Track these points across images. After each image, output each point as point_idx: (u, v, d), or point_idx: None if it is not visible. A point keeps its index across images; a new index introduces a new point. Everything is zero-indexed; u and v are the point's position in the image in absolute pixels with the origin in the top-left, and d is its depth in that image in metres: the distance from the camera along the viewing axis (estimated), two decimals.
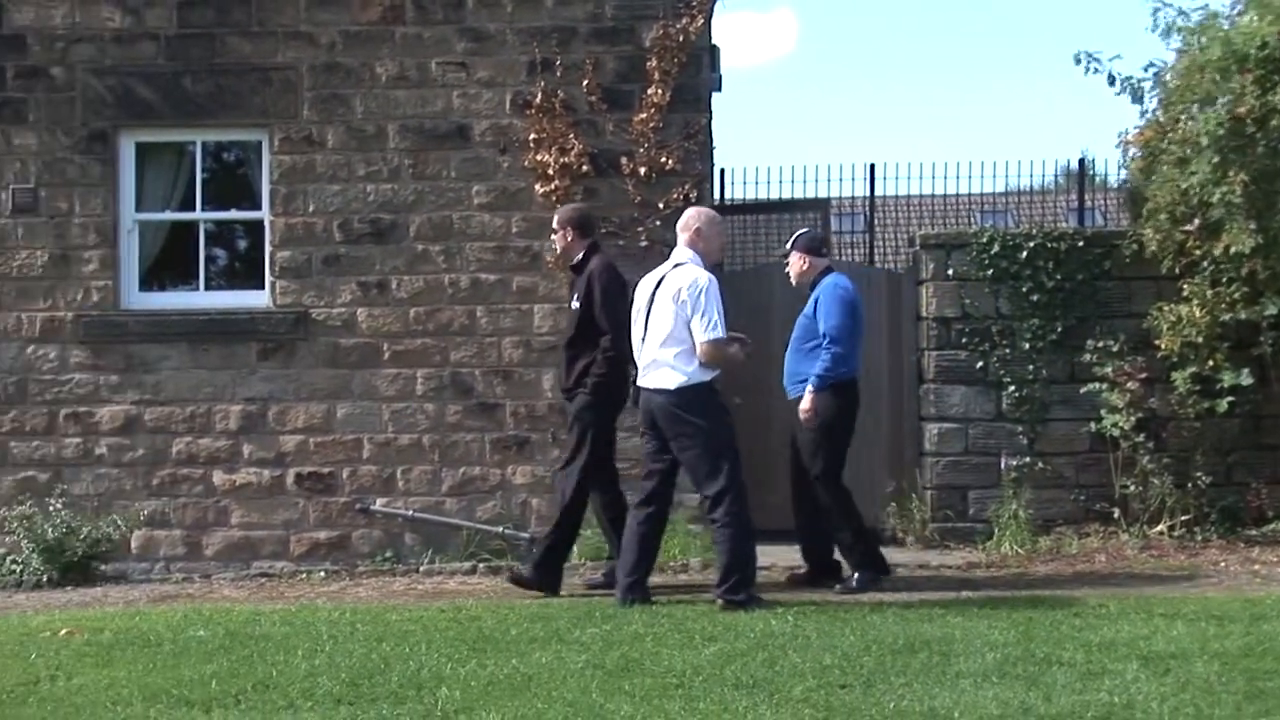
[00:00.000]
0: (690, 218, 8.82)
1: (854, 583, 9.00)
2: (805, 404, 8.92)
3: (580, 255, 9.18)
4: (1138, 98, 11.09)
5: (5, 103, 11.02)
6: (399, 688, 6.07)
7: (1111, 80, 11.04)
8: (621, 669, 6.38)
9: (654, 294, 8.55)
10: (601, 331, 8.86)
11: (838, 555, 9.31)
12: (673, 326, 8.38)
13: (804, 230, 9.84)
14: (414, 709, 5.68)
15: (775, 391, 11.48)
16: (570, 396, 9.14)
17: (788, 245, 9.54)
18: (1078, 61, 11.00)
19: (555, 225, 9.34)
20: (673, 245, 10.83)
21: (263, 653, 6.90)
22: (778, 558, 10.44)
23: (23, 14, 11.02)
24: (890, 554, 10.53)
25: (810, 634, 7.18)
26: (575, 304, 9.06)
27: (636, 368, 8.66)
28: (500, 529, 10.75)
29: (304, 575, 10.43)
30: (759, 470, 11.44)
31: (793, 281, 9.53)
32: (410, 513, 10.88)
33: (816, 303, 9.13)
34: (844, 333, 8.99)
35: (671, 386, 8.39)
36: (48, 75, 11.02)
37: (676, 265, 8.62)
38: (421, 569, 10.46)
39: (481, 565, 10.37)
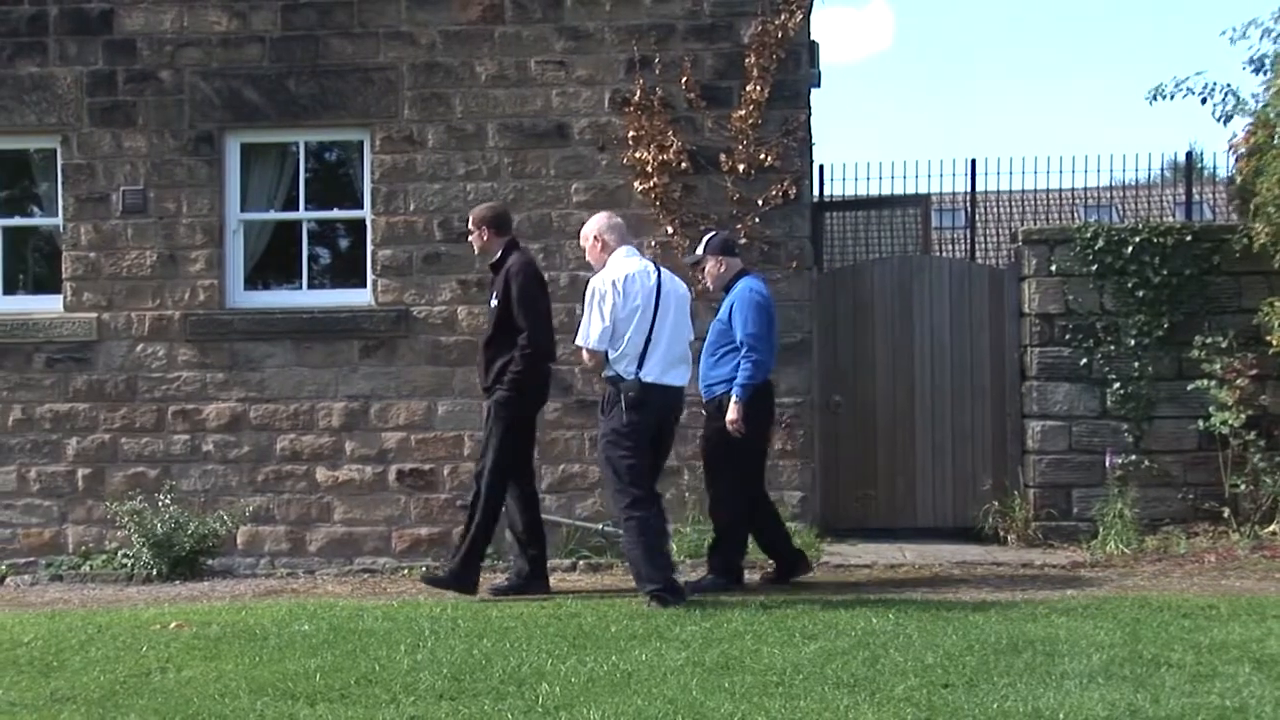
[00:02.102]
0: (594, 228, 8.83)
1: (704, 581, 9.01)
2: (732, 414, 8.79)
3: (498, 253, 9.09)
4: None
5: (116, 106, 11.24)
6: (500, 683, 6.10)
7: (1204, 99, 10.85)
8: (721, 666, 6.36)
9: (659, 294, 8.48)
10: (519, 329, 8.78)
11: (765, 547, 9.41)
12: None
13: (715, 232, 9.63)
14: (515, 705, 5.70)
15: (878, 391, 11.45)
16: (490, 394, 9.03)
17: (700, 249, 9.36)
18: (1158, 98, 10.85)
19: (471, 225, 9.27)
20: (772, 242, 10.90)
21: (366, 648, 6.97)
22: (880, 555, 10.40)
23: (133, 19, 11.24)
24: (992, 552, 10.47)
25: (912, 632, 7.11)
26: (493, 302, 8.98)
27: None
28: (599, 526, 10.77)
29: (405, 571, 10.52)
30: (865, 470, 11.41)
31: (709, 286, 9.39)
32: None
33: (731, 308, 9.02)
34: (761, 340, 8.90)
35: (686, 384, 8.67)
36: (156, 79, 11.23)
37: (655, 264, 8.75)
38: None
39: (581, 562, 10.39)
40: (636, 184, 10.94)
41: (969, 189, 13.32)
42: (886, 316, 11.50)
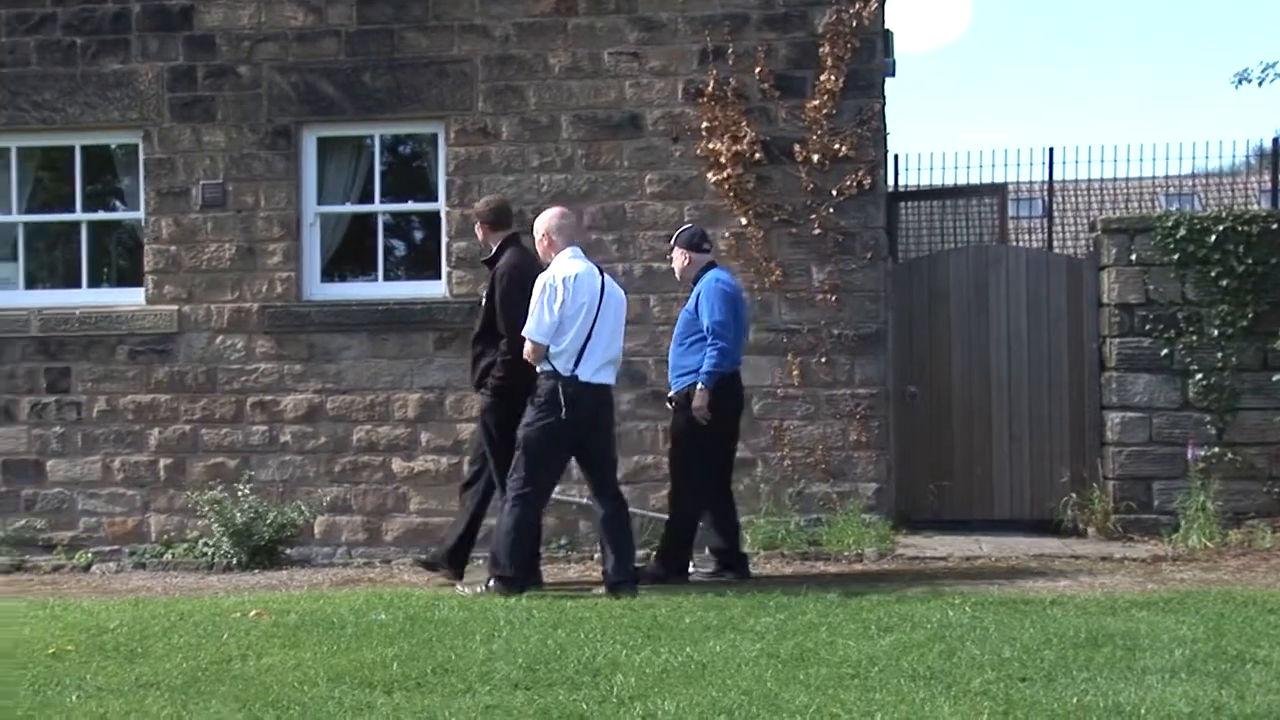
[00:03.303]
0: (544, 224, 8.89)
1: (649, 569, 9.10)
2: (698, 402, 8.92)
3: (495, 249, 9.13)
4: None
5: (195, 101, 11.38)
6: (575, 673, 6.11)
7: None
8: (796, 658, 6.34)
9: (602, 296, 8.61)
10: (499, 334, 8.84)
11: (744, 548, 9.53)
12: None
13: (685, 227, 9.72)
14: (590, 695, 5.71)
15: (953, 382, 11.36)
16: (479, 390, 9.12)
17: (671, 242, 9.55)
18: (1243, 83, 10.67)
19: (472, 219, 9.27)
20: (847, 233, 10.84)
21: (442, 637, 7.01)
22: (955, 547, 10.32)
23: (212, 15, 11.37)
24: (1070, 545, 10.36)
25: (989, 625, 7.05)
26: (483, 299, 9.03)
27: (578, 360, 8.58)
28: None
29: (480, 561, 10.56)
30: (940, 461, 11.33)
31: (677, 277, 9.56)
32: (584, 500, 10.93)
33: (698, 298, 9.11)
34: (726, 328, 8.98)
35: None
36: (235, 74, 11.36)
37: (601, 268, 8.89)
38: (595, 556, 10.50)
39: (654, 554, 10.37)
40: (710, 175, 10.92)
41: (1046, 178, 13.19)
42: (962, 307, 11.41)
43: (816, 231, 10.83)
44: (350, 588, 9.37)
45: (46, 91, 11.49)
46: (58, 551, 11.23)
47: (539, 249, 8.90)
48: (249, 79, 11.34)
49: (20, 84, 11.51)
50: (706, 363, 8.94)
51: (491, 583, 8.57)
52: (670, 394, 9.33)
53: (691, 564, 9.47)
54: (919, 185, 13.09)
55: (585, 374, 8.54)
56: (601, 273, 8.83)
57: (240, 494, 10.68)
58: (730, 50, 10.93)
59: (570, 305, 8.48)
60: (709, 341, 8.97)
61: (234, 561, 10.50)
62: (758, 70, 10.90)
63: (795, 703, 5.50)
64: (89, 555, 11.10)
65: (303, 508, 10.78)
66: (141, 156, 11.50)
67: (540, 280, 8.61)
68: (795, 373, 10.84)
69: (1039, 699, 5.50)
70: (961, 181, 12.96)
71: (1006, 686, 5.72)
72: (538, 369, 8.59)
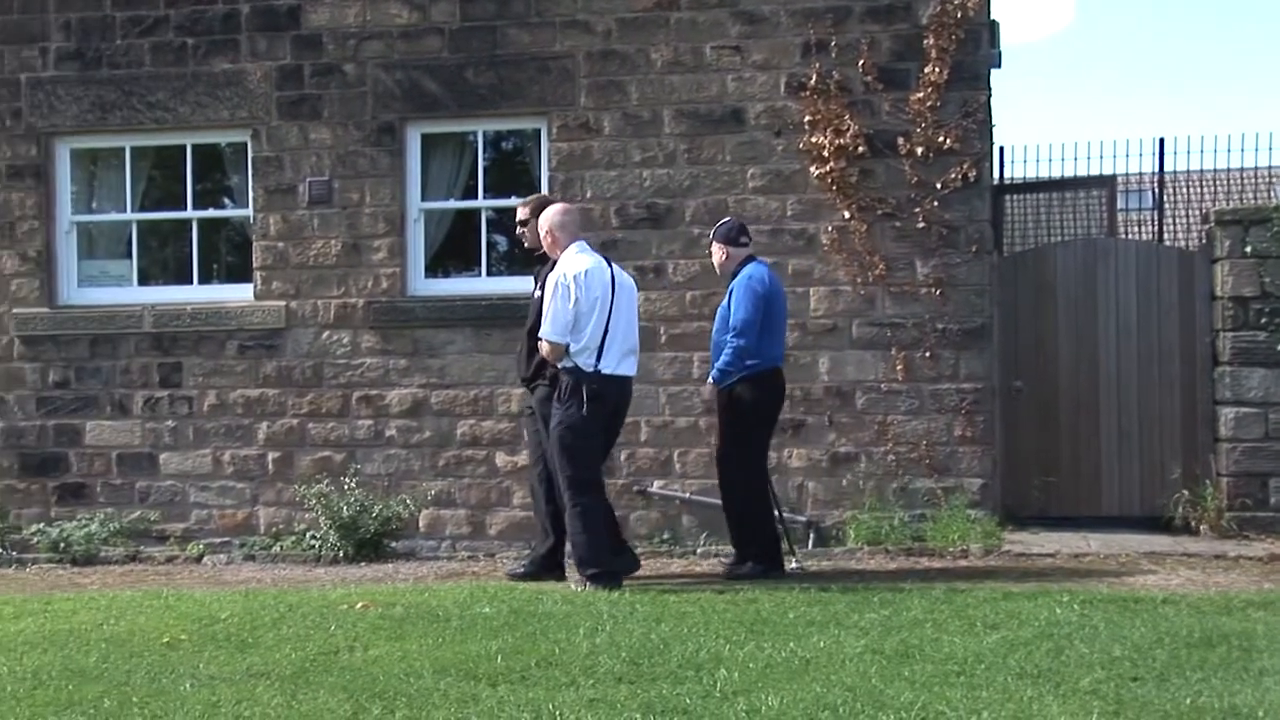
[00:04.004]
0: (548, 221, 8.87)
1: (747, 570, 9.03)
2: (704, 393, 9.00)
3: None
4: None
5: (303, 99, 11.54)
6: (678, 668, 6.11)
7: None
8: (901, 655, 6.29)
9: (614, 288, 8.66)
10: None
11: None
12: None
13: (723, 221, 9.66)
14: (693, 689, 5.71)
15: (1060, 376, 11.20)
16: (530, 386, 9.10)
17: (710, 235, 9.57)
18: None
19: (527, 214, 9.22)
20: (951, 226, 10.72)
21: (545, 630, 7.04)
22: (1063, 544, 10.17)
23: (318, 14, 11.52)
24: (1182, 543, 10.15)
25: (1098, 624, 6.94)
26: (538, 292, 8.96)
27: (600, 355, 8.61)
28: (776, 512, 10.72)
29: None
30: (1047, 457, 11.17)
31: (716, 271, 9.58)
32: (687, 495, 10.96)
33: (730, 294, 9.10)
34: (750, 326, 8.94)
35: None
36: (341, 72, 11.50)
37: (609, 260, 8.90)
38: (698, 550, 10.52)
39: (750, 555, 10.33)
40: (813, 168, 10.86)
41: (1156, 169, 12.95)
42: (1070, 300, 11.23)
43: (920, 225, 10.72)
44: (455, 581, 9.44)
45: (159, 92, 11.72)
46: (171, 543, 11.46)
47: (544, 246, 8.91)
48: (354, 77, 11.48)
49: (134, 85, 11.75)
50: (722, 359, 8.99)
51: (587, 585, 8.53)
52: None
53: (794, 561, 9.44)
54: (1025, 178, 12.91)
55: (608, 367, 8.64)
56: (609, 264, 8.85)
57: (346, 487, 10.81)
58: (833, 43, 10.86)
59: (585, 301, 8.53)
60: (729, 339, 8.99)
61: (340, 554, 10.63)
62: (861, 63, 10.81)
63: (900, 699, 5.45)
64: (200, 547, 11.31)
65: (408, 501, 10.89)
66: (250, 154, 11.69)
67: (551, 280, 8.66)
68: (899, 367, 10.75)
69: (1151, 699, 5.40)
70: (1069, 173, 12.77)
71: (1117, 686, 5.62)
72: (560, 366, 8.65)
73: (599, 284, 8.62)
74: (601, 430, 8.73)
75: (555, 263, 8.91)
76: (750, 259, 9.31)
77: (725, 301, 9.20)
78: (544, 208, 9.14)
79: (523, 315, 11.12)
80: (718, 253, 9.38)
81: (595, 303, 8.56)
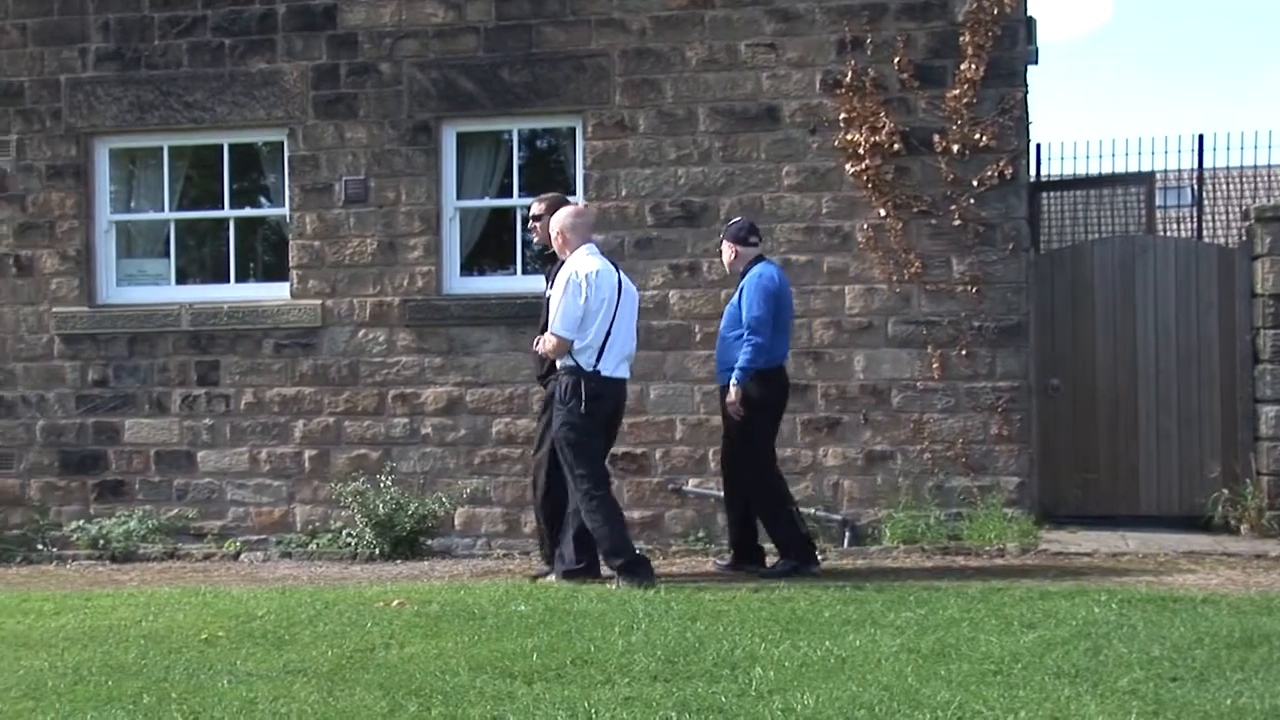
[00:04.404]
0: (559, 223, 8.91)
1: (778, 567, 9.08)
2: (730, 396, 8.99)
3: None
4: None
5: (339, 99, 11.58)
6: (714, 666, 6.10)
7: None
8: (937, 654, 6.26)
9: (619, 292, 8.73)
10: None
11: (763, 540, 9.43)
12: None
13: (733, 220, 9.71)
14: (728, 687, 5.70)
15: (1098, 374, 11.13)
16: (544, 383, 9.12)
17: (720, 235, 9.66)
18: None
19: (542, 209, 9.23)
20: (987, 223, 10.67)
21: (581, 628, 7.04)
22: (1101, 543, 10.11)
23: (354, 14, 11.57)
24: (1222, 542, 10.08)
25: (1136, 623, 6.89)
26: (549, 291, 8.99)
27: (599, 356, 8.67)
28: (811, 510, 10.72)
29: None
30: (1084, 455, 11.11)
31: (726, 270, 9.63)
32: (722, 493, 10.92)
33: (741, 292, 9.13)
34: (763, 324, 8.97)
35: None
36: (376, 71, 11.54)
37: (616, 265, 8.97)
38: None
39: (777, 553, 10.31)
40: (848, 166, 10.83)
41: (1195, 165, 12.84)
42: (1107, 298, 11.17)
43: (956, 222, 10.68)
44: (490, 579, 9.45)
45: (197, 91, 11.79)
46: (208, 540, 11.53)
47: (555, 246, 8.96)
48: (390, 76, 11.51)
49: (172, 85, 11.82)
50: (741, 358, 9.00)
51: (621, 580, 8.50)
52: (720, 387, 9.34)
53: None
54: (1062, 175, 12.83)
55: (607, 369, 8.71)
56: (617, 269, 8.93)
57: (382, 485, 10.85)
58: (869, 40, 10.83)
59: (594, 300, 8.61)
60: (745, 337, 9.00)
61: (376, 552, 10.67)
62: (896, 60, 10.78)
63: (936, 699, 5.42)
64: (238, 544, 11.37)
65: (443, 499, 10.92)
66: (286, 154, 11.74)
67: (562, 276, 8.71)
68: (935, 366, 10.71)
69: (1191, 699, 5.36)
70: (1106, 170, 12.69)
71: (1156, 686, 5.58)
72: (558, 364, 8.73)
73: (607, 286, 8.71)
74: (601, 426, 8.78)
75: (564, 262, 8.97)
76: (759, 258, 9.34)
77: (735, 299, 9.23)
78: (557, 206, 9.18)
79: None
80: (727, 252, 9.44)
81: (602, 304, 8.64)
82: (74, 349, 11.96)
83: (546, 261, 9.39)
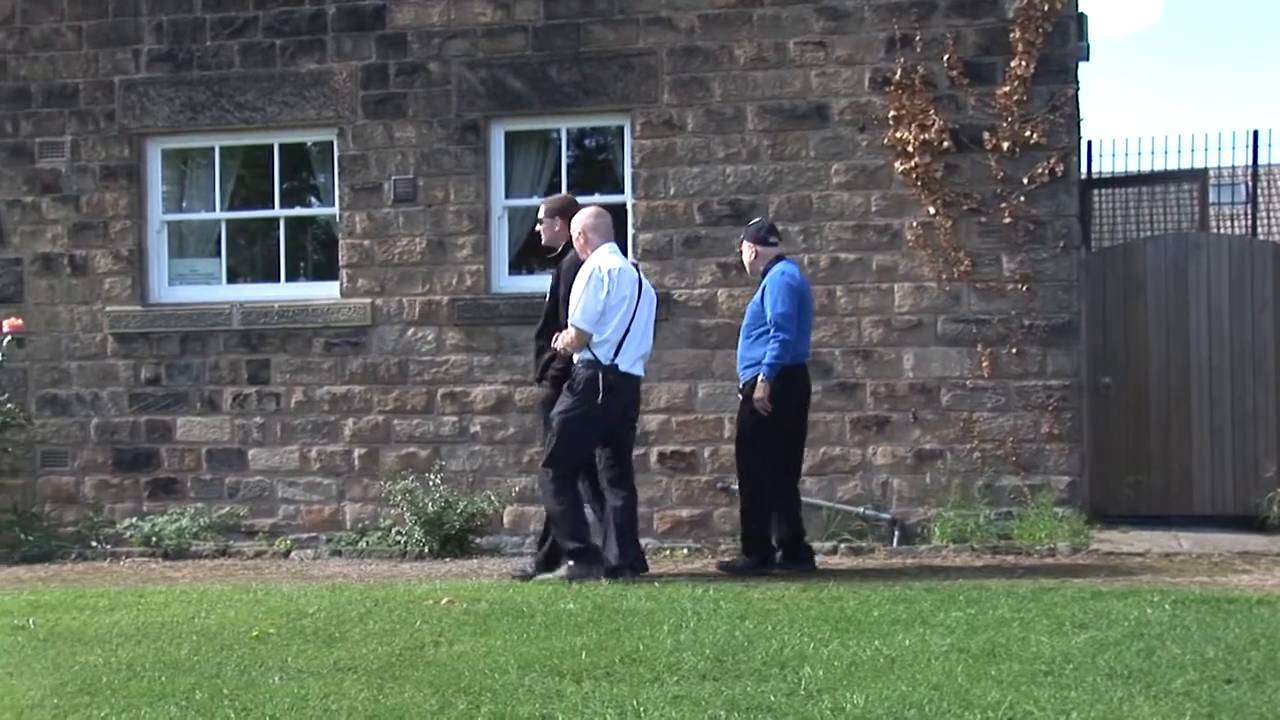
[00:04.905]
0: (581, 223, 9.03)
1: (737, 563, 9.23)
2: (758, 393, 9.00)
3: (561, 245, 9.24)
4: None
5: (388, 98, 11.64)
6: (762, 665, 6.08)
7: None
8: (987, 653, 6.22)
9: (639, 292, 8.84)
10: (562, 327, 8.93)
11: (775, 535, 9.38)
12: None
13: (754, 220, 9.78)
14: (777, 686, 5.68)
15: (1150, 373, 11.04)
16: (541, 384, 9.24)
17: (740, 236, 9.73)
18: None
19: (542, 214, 9.36)
20: (1038, 221, 10.60)
21: (629, 627, 7.04)
22: (1154, 543, 10.03)
23: (403, 14, 11.61)
24: (1278, 542, 9.96)
25: (1190, 624, 6.82)
26: (549, 293, 9.16)
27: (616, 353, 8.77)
28: (861, 509, 10.69)
29: (667, 552, 10.64)
30: (1136, 455, 11.02)
31: (746, 270, 9.65)
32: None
33: (764, 291, 9.14)
34: (789, 320, 9.01)
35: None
36: (425, 71, 11.58)
37: (635, 264, 9.09)
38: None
39: (842, 546, 10.32)
40: (897, 164, 10.78)
41: (1250, 162, 12.72)
42: (1160, 296, 11.07)
43: (1007, 220, 10.61)
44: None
45: (248, 92, 11.87)
46: (259, 538, 11.60)
47: (576, 246, 9.03)
48: (439, 75, 11.56)
49: (224, 85, 11.91)
50: (768, 355, 9.01)
51: (571, 563, 8.77)
52: (739, 386, 9.40)
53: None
54: (1114, 172, 12.73)
55: (624, 364, 8.82)
56: (637, 269, 9.05)
57: (431, 483, 10.89)
58: (918, 37, 10.77)
59: (614, 295, 8.72)
60: (771, 334, 9.02)
61: (425, 550, 10.72)
62: (946, 57, 10.72)
63: (987, 699, 5.39)
64: (288, 542, 11.44)
65: (492, 497, 10.95)
66: (336, 153, 11.81)
67: (584, 271, 8.80)
68: (985, 364, 10.64)
69: (1246, 701, 5.30)
70: (1159, 167, 12.58)
71: (1210, 688, 5.52)
72: (575, 358, 8.81)
73: (628, 284, 8.84)
74: (605, 425, 8.86)
75: (561, 266, 9.15)
76: (780, 258, 9.37)
77: (757, 298, 9.26)
78: (564, 207, 9.33)
79: None
80: (747, 252, 9.47)
81: (623, 300, 8.77)
82: (127, 348, 12.07)
83: (551, 263, 9.52)
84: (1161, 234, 12.20)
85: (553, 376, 9.07)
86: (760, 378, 9.02)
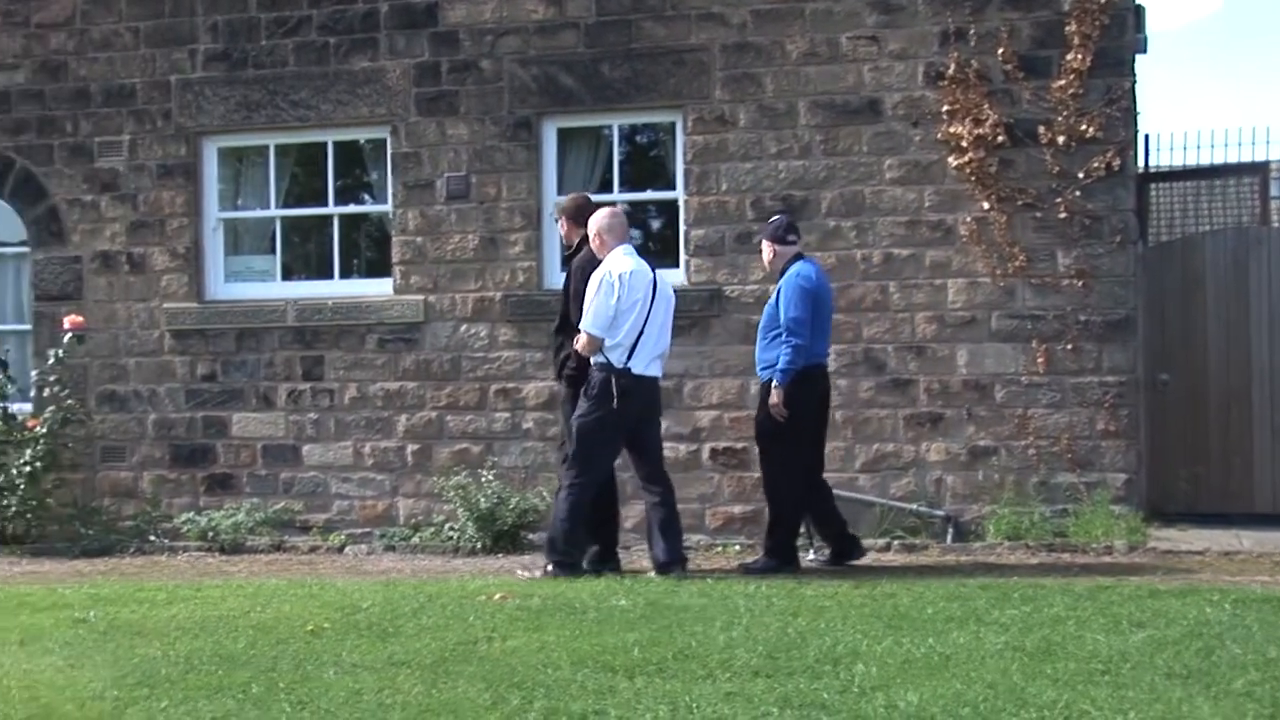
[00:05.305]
0: (597, 224, 9.13)
1: (758, 564, 9.15)
2: (773, 398, 9.01)
3: (575, 244, 9.36)
4: None
5: (440, 96, 11.68)
6: (815, 662, 6.06)
7: None
8: (1043, 652, 6.17)
9: (654, 293, 8.92)
10: (576, 326, 9.02)
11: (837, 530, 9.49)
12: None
13: (772, 219, 9.74)
14: (830, 684, 5.66)
15: (1209, 369, 10.92)
16: (560, 381, 9.42)
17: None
18: None
19: (555, 214, 9.51)
20: (1094, 216, 10.50)
21: (682, 623, 7.04)
22: (1213, 541, 9.91)
23: (455, 11, 11.65)
24: None
25: (1251, 624, 6.74)
26: (563, 292, 9.29)
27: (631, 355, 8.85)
28: (914, 506, 10.64)
29: (719, 548, 10.63)
30: (1195, 452, 10.90)
31: (766, 269, 9.71)
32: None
33: (779, 292, 9.14)
34: (801, 324, 8.97)
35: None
36: (477, 68, 11.61)
37: (653, 266, 9.13)
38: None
39: (896, 543, 10.27)
40: (951, 159, 10.71)
41: None
42: (1219, 291, 10.95)
43: (1062, 215, 10.52)
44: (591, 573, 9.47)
45: (302, 90, 11.94)
46: (313, 533, 11.68)
47: (592, 246, 9.12)
48: (491, 73, 11.58)
49: (278, 84, 11.99)
50: (781, 360, 9.01)
51: (550, 567, 8.95)
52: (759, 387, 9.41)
53: (811, 552, 9.65)
54: (1172, 166, 12.59)
55: (638, 367, 8.89)
56: (653, 269, 9.08)
57: (484, 480, 10.93)
58: (972, 31, 10.70)
59: (625, 300, 8.81)
60: (784, 339, 9.01)
61: (478, 545, 10.75)
62: (1001, 51, 10.64)
63: (1042, 698, 5.35)
64: (342, 537, 11.51)
65: (544, 493, 10.96)
66: (389, 151, 11.86)
67: (596, 275, 8.89)
68: (1040, 360, 10.55)
69: None
70: (1219, 160, 12.42)
71: (1273, 689, 5.44)
72: (591, 361, 8.91)
73: (641, 286, 8.91)
74: (623, 428, 8.94)
75: (578, 258, 9.24)
76: (799, 256, 9.36)
77: (773, 299, 9.26)
78: (569, 207, 9.50)
79: None
80: (766, 251, 9.48)
81: (635, 304, 8.84)
82: (183, 344, 12.18)
83: (565, 263, 9.64)
84: (1221, 228, 12.06)
85: (568, 375, 9.21)
86: (774, 383, 9.04)
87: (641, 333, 8.86)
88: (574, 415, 9.01)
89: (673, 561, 8.85)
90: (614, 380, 8.80)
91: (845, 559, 9.35)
